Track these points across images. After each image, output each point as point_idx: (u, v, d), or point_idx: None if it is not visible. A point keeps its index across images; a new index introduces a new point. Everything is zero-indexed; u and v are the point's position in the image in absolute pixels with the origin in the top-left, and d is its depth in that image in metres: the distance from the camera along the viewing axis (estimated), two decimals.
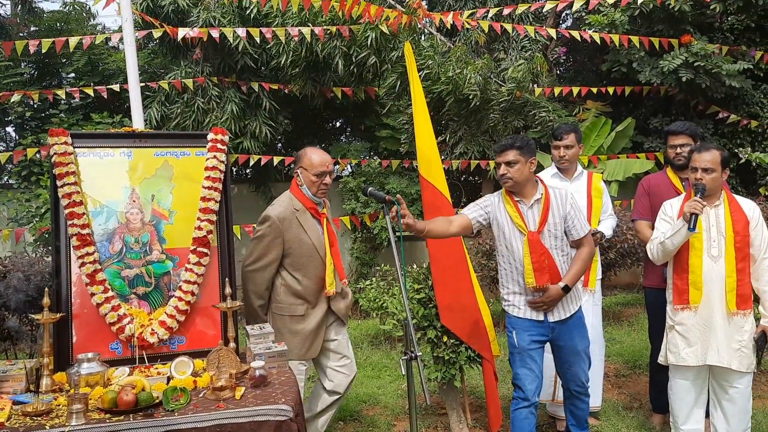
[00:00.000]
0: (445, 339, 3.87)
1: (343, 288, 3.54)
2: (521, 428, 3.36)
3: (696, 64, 7.46)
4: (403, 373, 2.67)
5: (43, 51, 6.76)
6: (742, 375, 3.33)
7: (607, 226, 4.18)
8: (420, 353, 2.54)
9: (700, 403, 3.51)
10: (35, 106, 8.59)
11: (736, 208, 3.37)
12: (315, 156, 3.34)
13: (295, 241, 3.26)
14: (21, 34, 9.61)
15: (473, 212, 3.46)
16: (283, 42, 7.20)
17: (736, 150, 8.10)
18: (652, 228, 3.89)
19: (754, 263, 3.35)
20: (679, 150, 3.96)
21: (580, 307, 3.49)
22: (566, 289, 3.31)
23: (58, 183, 3.19)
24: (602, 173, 7.44)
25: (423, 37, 7.87)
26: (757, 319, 3.38)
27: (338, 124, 11.35)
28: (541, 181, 3.46)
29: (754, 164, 7.94)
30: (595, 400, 4.20)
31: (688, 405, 3.49)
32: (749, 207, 3.39)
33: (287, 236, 3.27)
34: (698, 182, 3.28)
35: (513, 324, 3.43)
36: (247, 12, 7.51)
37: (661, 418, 4.15)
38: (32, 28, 9.94)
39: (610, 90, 8.45)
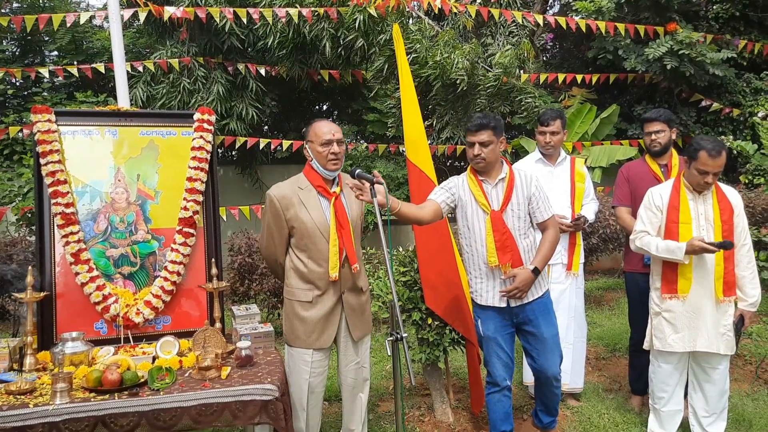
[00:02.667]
0: (429, 321, 3.91)
1: (360, 284, 3.26)
2: (495, 411, 3.42)
3: (681, 52, 7.51)
4: (389, 354, 2.70)
5: (28, 29, 6.65)
6: (723, 357, 3.42)
7: (590, 211, 4.23)
8: (405, 335, 2.55)
9: (680, 386, 3.58)
10: (17, 84, 8.47)
11: (723, 197, 3.41)
12: (319, 125, 3.19)
13: (295, 220, 3.09)
14: (3, 11, 9.44)
15: (440, 196, 3.33)
16: (271, 23, 7.13)
17: (718, 138, 8.18)
18: (632, 214, 3.94)
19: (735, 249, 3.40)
20: (654, 137, 4.02)
21: (547, 293, 3.43)
22: (536, 272, 3.24)
23: (42, 161, 3.15)
24: (586, 159, 7.50)
25: (411, 21, 7.84)
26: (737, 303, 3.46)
27: (325, 107, 11.27)
28: (506, 161, 3.41)
29: (735, 152, 8.05)
30: (577, 382, 4.28)
31: (670, 388, 3.55)
32: (733, 195, 3.44)
33: (288, 215, 3.09)
34: (725, 241, 3.25)
35: (477, 312, 3.43)
36: None
37: (639, 400, 4.24)
38: (14, 5, 9.76)
39: (595, 77, 8.49)
